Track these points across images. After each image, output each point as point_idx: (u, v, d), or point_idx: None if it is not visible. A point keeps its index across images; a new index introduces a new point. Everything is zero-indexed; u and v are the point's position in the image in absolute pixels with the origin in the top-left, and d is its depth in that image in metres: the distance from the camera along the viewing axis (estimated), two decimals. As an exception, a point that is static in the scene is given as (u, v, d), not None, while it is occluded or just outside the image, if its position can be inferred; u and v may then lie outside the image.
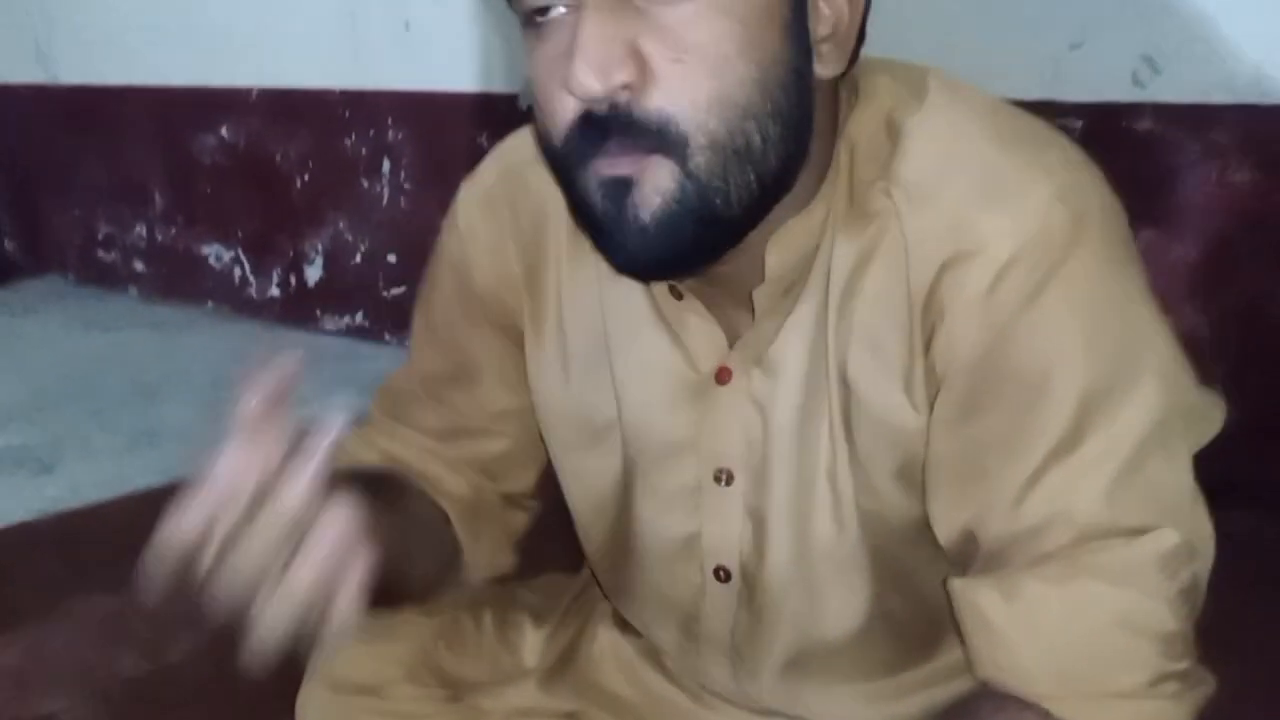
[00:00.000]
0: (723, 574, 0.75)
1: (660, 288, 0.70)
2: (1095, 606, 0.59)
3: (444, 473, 0.81)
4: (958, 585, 0.63)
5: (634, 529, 0.78)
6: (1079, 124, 1.79)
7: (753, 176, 0.60)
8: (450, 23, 2.61)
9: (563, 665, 0.87)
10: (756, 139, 0.59)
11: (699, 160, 0.58)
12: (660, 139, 0.58)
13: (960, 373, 0.62)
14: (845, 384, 0.66)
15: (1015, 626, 0.60)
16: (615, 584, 0.84)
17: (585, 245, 0.69)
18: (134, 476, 1.98)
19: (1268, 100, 1.67)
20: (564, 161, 0.61)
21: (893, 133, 0.64)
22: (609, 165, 0.59)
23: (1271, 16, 1.64)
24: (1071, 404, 0.59)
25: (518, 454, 0.83)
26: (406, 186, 2.80)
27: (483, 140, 2.62)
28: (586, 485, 0.80)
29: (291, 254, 3.06)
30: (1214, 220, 1.71)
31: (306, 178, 3.00)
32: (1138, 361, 0.60)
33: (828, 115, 0.65)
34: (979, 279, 0.60)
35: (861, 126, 0.65)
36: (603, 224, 0.61)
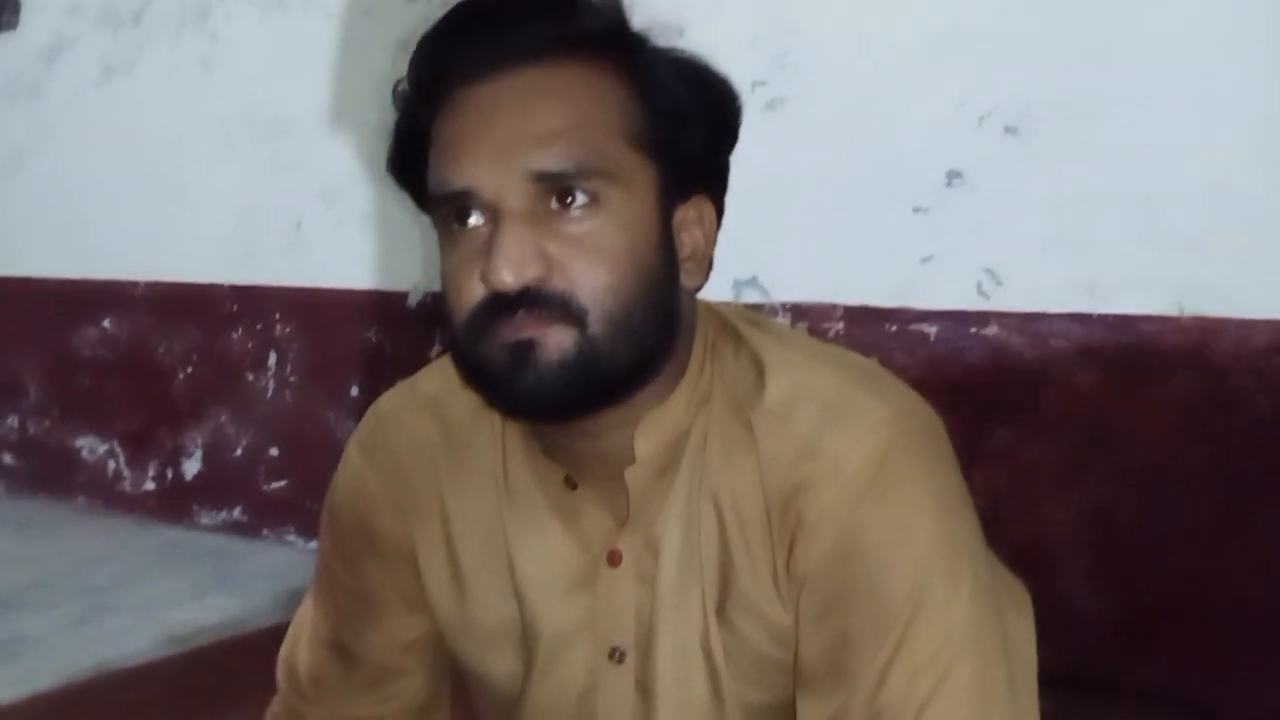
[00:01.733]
0: None
1: (556, 481, 0.78)
2: None
3: None
4: None
5: (533, 715, 0.81)
6: (932, 330, 1.93)
7: (634, 349, 0.71)
8: (341, 223, 2.69)
9: None
10: (638, 320, 0.70)
11: (595, 330, 0.69)
12: (564, 311, 0.69)
13: (817, 576, 0.71)
14: (724, 569, 0.74)
15: None
16: None
17: (474, 470, 0.79)
18: (-10, 691, 1.88)
19: (1100, 310, 1.83)
20: (471, 333, 0.71)
21: (756, 363, 0.76)
22: (514, 331, 0.69)
23: (1102, 231, 1.82)
24: (910, 603, 0.68)
25: (434, 686, 0.88)
26: (292, 380, 2.81)
27: (370, 335, 2.67)
28: (489, 685, 0.84)
29: (170, 447, 3.01)
30: (1060, 424, 1.84)
31: (190, 370, 2.99)
32: (956, 561, 0.69)
33: (687, 323, 0.76)
34: (826, 491, 0.70)
35: (722, 346, 0.77)
36: (505, 377, 0.70)
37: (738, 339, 0.78)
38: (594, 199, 0.69)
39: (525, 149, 0.68)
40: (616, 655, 0.78)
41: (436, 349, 2.56)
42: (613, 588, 0.77)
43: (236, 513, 2.89)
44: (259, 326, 2.85)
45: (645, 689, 0.77)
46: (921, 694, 0.66)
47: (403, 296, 2.62)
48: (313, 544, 2.73)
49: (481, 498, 0.81)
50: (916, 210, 1.95)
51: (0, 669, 2.01)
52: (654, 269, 0.71)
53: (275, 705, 0.91)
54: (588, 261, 0.68)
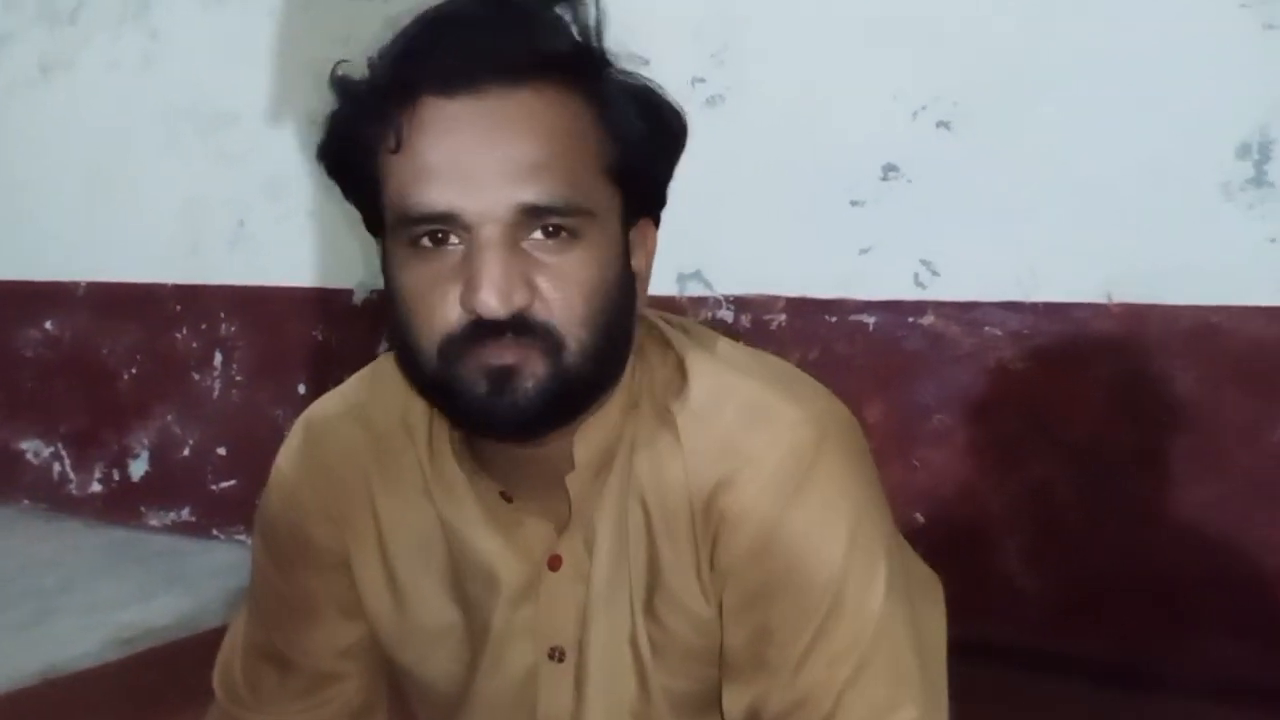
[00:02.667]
0: None
1: (493, 496, 0.80)
2: None
3: None
4: None
5: (480, 712, 0.83)
6: (871, 320, 1.97)
7: (601, 372, 0.74)
8: (285, 219, 2.68)
9: None
10: (606, 345, 0.73)
11: (570, 359, 0.71)
12: (544, 340, 0.70)
13: (739, 570, 0.74)
14: (651, 566, 0.77)
15: None
16: None
17: (404, 478, 0.80)
18: (-68, 694, 1.87)
19: (1032, 298, 1.88)
20: (445, 355, 0.71)
21: (680, 367, 0.79)
22: (497, 356, 0.70)
23: (1034, 222, 1.87)
24: (829, 594, 0.72)
25: (371, 689, 0.89)
26: (238, 379, 2.80)
27: (316, 333, 2.67)
28: (428, 688, 0.85)
29: (116, 448, 2.99)
30: (995, 408, 1.89)
31: (134, 371, 2.97)
32: (871, 554, 0.73)
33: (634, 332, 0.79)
34: (747, 488, 0.74)
35: (649, 351, 0.80)
36: (483, 401, 0.71)
37: (664, 343, 0.80)
38: (574, 232, 0.70)
39: (513, 179, 0.68)
40: (556, 654, 0.80)
41: (383, 346, 2.56)
42: (554, 591, 0.79)
43: (185, 513, 2.87)
44: (204, 325, 2.84)
45: (580, 684, 0.79)
46: (839, 679, 0.70)
47: (348, 294, 2.61)
48: (263, 542, 2.73)
49: (414, 504, 0.83)
50: (854, 203, 1.98)
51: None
52: (619, 296, 0.74)
53: (212, 712, 0.91)
54: (567, 293, 0.70)
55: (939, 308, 1.92)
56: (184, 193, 2.83)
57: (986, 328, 1.90)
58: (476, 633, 0.81)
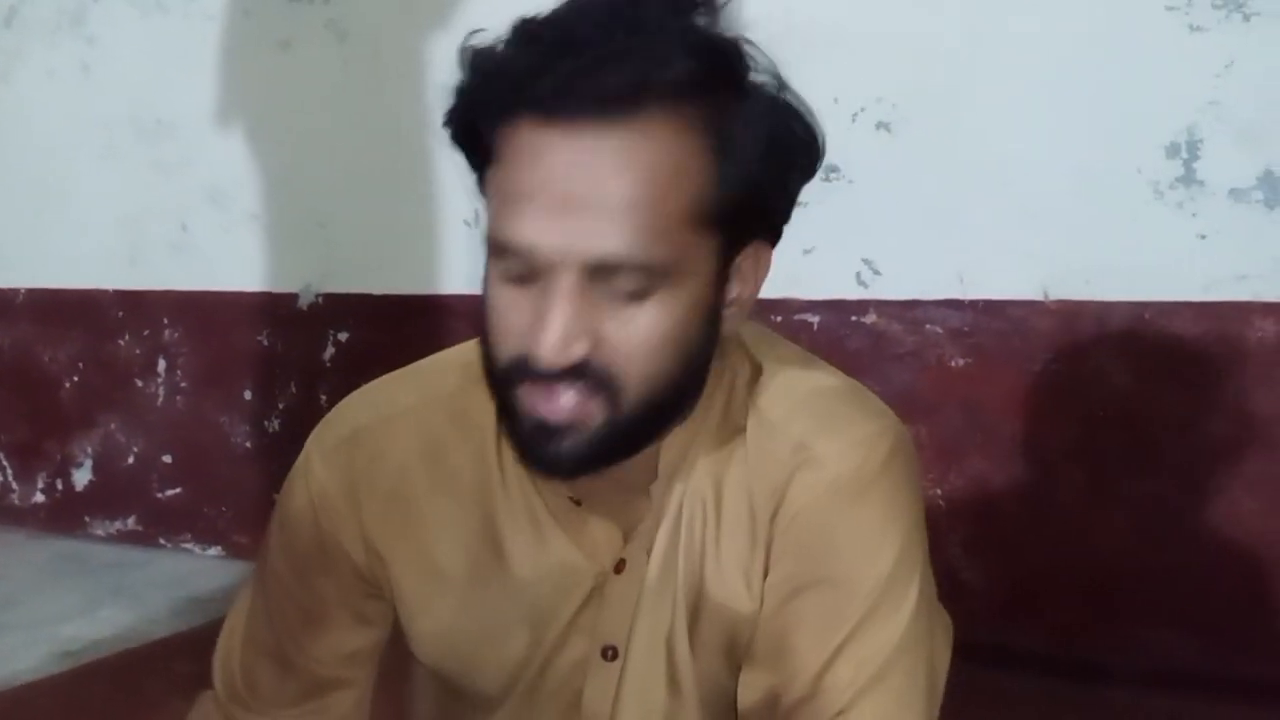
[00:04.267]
0: None
1: (562, 499, 0.80)
2: None
3: None
4: None
5: (513, 707, 0.84)
6: (815, 319, 2.00)
7: (663, 419, 0.74)
8: (228, 225, 2.66)
9: None
10: (672, 396, 0.72)
11: (627, 410, 0.70)
12: (600, 387, 0.69)
13: (788, 566, 0.76)
14: (699, 573, 0.79)
15: None
16: None
17: (457, 481, 0.80)
18: None
19: (970, 296, 1.91)
20: (505, 376, 0.71)
21: (756, 371, 0.80)
22: (547, 405, 0.69)
23: (971, 221, 1.90)
24: (870, 600, 0.74)
25: (366, 697, 0.88)
26: (183, 385, 2.77)
27: (262, 339, 2.65)
28: (474, 687, 0.85)
29: (59, 458, 2.95)
30: (936, 404, 1.92)
31: (76, 379, 2.93)
32: (912, 571, 0.76)
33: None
34: (812, 490, 0.76)
35: (739, 368, 0.81)
36: (531, 441, 0.71)
37: (741, 347, 0.81)
38: (653, 288, 0.68)
39: (590, 228, 0.66)
40: (609, 653, 0.81)
41: (330, 351, 2.55)
42: (616, 593, 0.80)
43: (131, 522, 2.84)
44: (147, 332, 2.80)
45: (619, 683, 0.81)
46: (858, 683, 0.73)
47: (293, 298, 2.60)
48: (211, 550, 2.70)
49: (467, 508, 0.81)
50: (797, 204, 2.00)
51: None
52: (698, 347, 0.72)
53: (205, 704, 0.89)
54: (633, 345, 0.68)
55: (881, 306, 1.96)
56: (125, 200, 2.80)
57: (927, 326, 1.93)
58: (531, 632, 0.82)
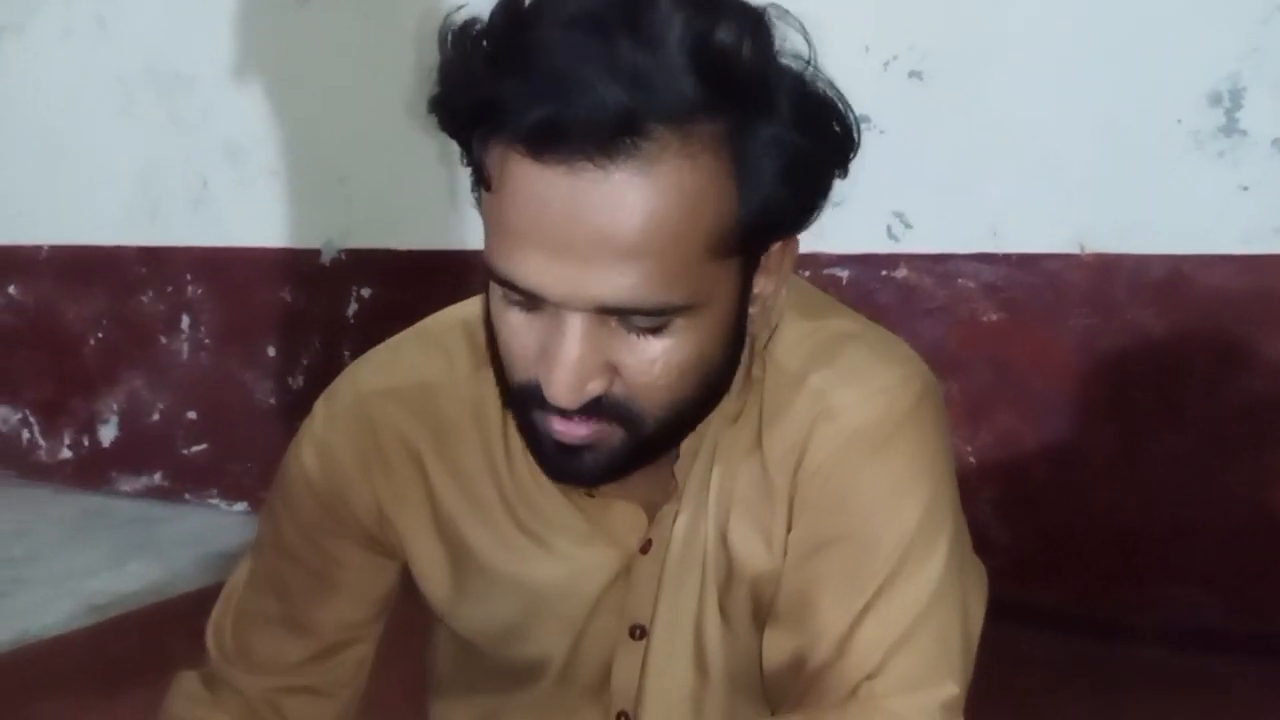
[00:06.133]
0: (624, 719, 0.81)
1: (577, 492, 0.77)
2: None
3: None
4: None
5: (543, 686, 0.82)
6: (844, 273, 1.96)
7: (684, 431, 0.71)
8: (250, 180, 2.64)
9: None
10: (695, 413, 0.69)
11: (648, 431, 0.67)
12: (619, 416, 0.66)
13: (810, 522, 0.73)
14: (722, 541, 0.76)
15: None
16: None
17: (470, 463, 0.77)
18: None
19: (1004, 250, 1.88)
20: (519, 398, 0.68)
21: (775, 328, 0.75)
22: (565, 429, 0.66)
23: (1006, 173, 1.86)
24: (895, 556, 0.71)
25: (366, 661, 0.86)
26: (206, 343, 2.77)
27: (284, 295, 2.64)
28: (499, 665, 0.83)
29: (84, 414, 2.96)
30: (967, 360, 1.89)
31: (100, 336, 2.93)
32: (941, 524, 0.73)
33: None
34: (831, 443, 0.72)
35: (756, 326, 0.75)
36: (549, 457, 0.69)
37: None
38: (667, 322, 0.63)
39: (597, 274, 0.60)
40: (637, 633, 0.79)
41: (353, 307, 2.54)
42: (641, 574, 0.78)
43: (157, 478, 2.85)
44: (169, 289, 2.80)
45: (643, 663, 0.79)
46: (888, 641, 0.70)
47: (315, 254, 2.58)
48: (237, 506, 2.72)
49: (481, 493, 0.79)
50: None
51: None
52: (722, 364, 0.68)
53: (182, 681, 0.86)
54: (653, 376, 0.64)
55: (911, 260, 1.92)
56: (143, 156, 2.78)
57: (959, 280, 1.90)
58: (558, 616, 0.80)
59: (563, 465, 0.68)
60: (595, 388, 0.64)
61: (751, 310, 0.70)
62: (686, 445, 0.74)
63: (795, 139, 0.63)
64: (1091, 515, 1.84)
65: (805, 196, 0.65)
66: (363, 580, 0.83)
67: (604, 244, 0.60)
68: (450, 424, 0.79)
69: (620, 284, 0.60)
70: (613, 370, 0.64)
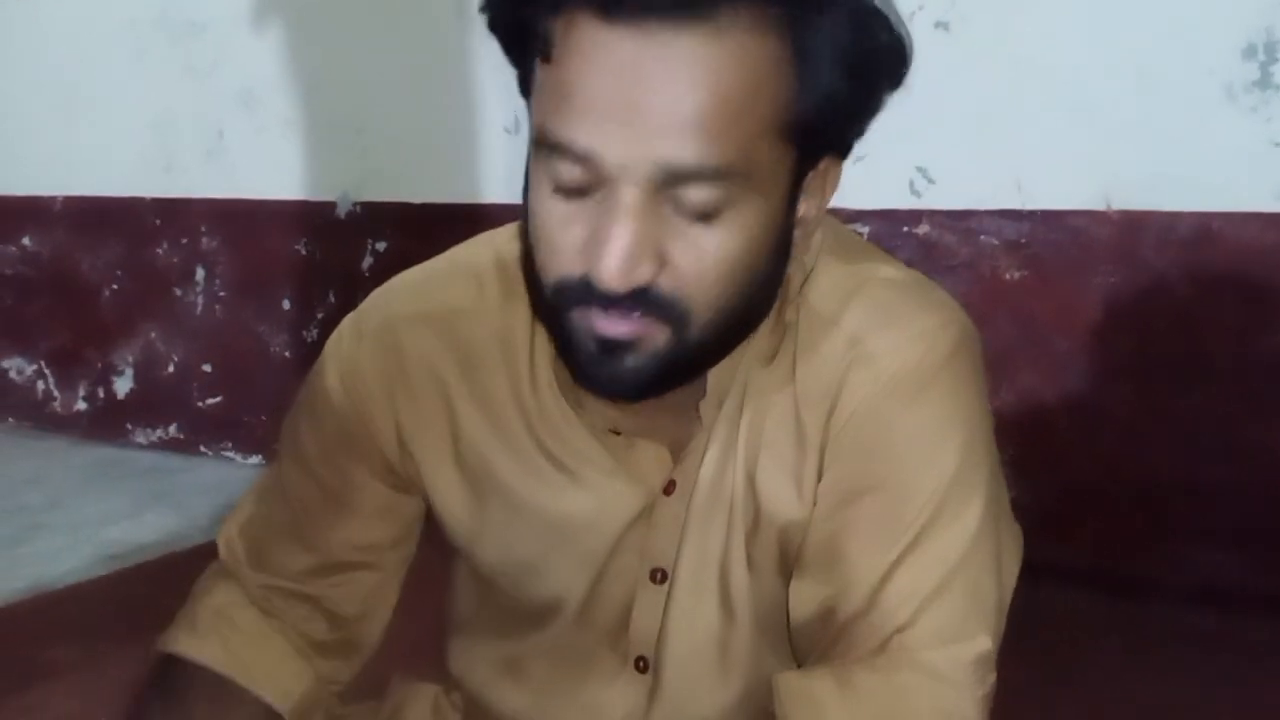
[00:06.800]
0: (642, 664, 0.79)
1: (604, 425, 0.76)
2: (916, 699, 0.67)
3: (287, 653, 0.82)
4: (791, 678, 0.70)
5: (561, 628, 0.81)
6: (866, 230, 1.94)
7: (729, 342, 0.69)
8: (265, 131, 2.62)
9: None
10: (739, 320, 0.68)
11: (694, 334, 0.65)
12: (666, 312, 0.64)
13: (842, 470, 0.71)
14: (750, 485, 0.74)
15: (845, 712, 0.68)
16: (514, 686, 0.85)
17: (494, 394, 0.76)
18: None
19: (1027, 206, 1.85)
20: (559, 299, 0.66)
21: (804, 266, 0.73)
22: (608, 325, 0.64)
23: (1032, 126, 1.83)
24: (930, 507, 0.69)
25: (380, 591, 0.85)
26: (222, 295, 2.76)
27: (299, 247, 2.62)
28: (516, 603, 0.82)
29: (100, 366, 2.96)
30: (989, 318, 1.87)
31: (115, 288, 2.92)
32: (977, 475, 0.70)
33: None
34: (866, 389, 0.70)
35: (792, 265, 0.74)
36: (589, 362, 0.66)
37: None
38: (725, 203, 0.62)
39: (665, 135, 0.60)
40: (658, 576, 0.78)
41: (369, 261, 2.52)
42: (664, 514, 0.77)
43: (172, 430, 2.86)
44: (184, 240, 2.79)
45: (666, 606, 0.77)
46: (921, 592, 0.68)
47: (331, 207, 2.57)
48: (252, 459, 2.72)
49: (504, 426, 0.78)
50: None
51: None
52: (768, 270, 0.67)
53: (210, 568, 0.86)
54: (702, 269, 0.63)
55: (934, 216, 1.89)
56: (156, 105, 2.76)
57: (982, 236, 1.87)
58: (577, 555, 0.78)
59: (603, 369, 0.66)
60: (644, 273, 0.62)
61: (795, 232, 0.69)
62: (714, 383, 0.73)
63: (853, 40, 0.63)
64: (1115, 473, 1.83)
65: (859, 99, 0.65)
66: (376, 506, 0.82)
67: (668, 108, 0.60)
68: (478, 351, 0.78)
69: (683, 149, 0.60)
70: (662, 261, 0.63)
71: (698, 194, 0.62)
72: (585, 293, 0.63)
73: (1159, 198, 1.77)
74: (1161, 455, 1.80)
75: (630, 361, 0.65)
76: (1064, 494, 1.85)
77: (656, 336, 0.65)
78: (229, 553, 0.84)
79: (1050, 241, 1.83)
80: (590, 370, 0.67)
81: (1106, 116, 1.78)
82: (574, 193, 0.63)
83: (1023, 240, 1.85)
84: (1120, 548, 1.83)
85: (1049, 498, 1.84)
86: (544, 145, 0.63)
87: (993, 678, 0.69)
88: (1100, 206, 1.80)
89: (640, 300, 0.63)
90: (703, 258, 0.63)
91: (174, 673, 0.81)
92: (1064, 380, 1.84)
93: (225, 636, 0.81)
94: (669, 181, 0.61)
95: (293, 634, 0.82)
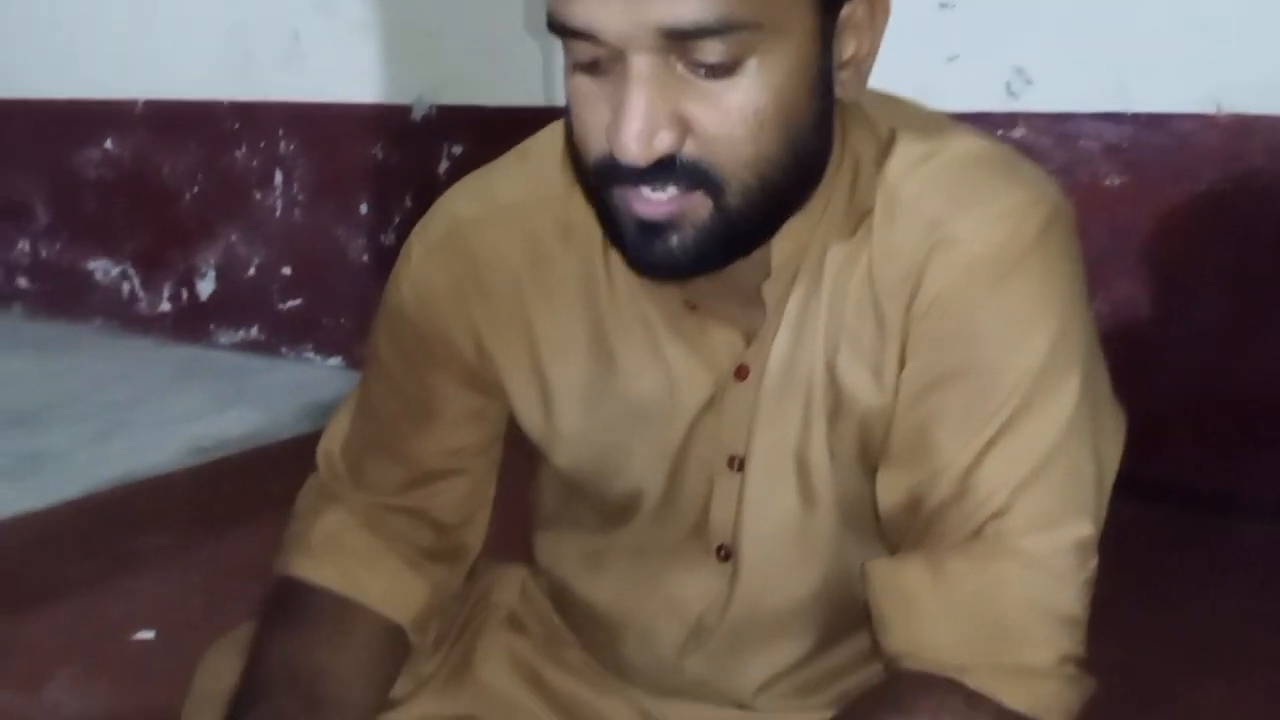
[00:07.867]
0: (723, 553, 0.78)
1: (675, 304, 0.74)
2: (1013, 587, 0.65)
3: (400, 568, 0.82)
4: (882, 565, 0.69)
5: (642, 523, 0.81)
6: (956, 133, 1.87)
7: (775, 209, 0.65)
8: (340, 34, 2.60)
9: (457, 674, 0.89)
10: (782, 183, 0.64)
11: (732, 201, 0.62)
12: (699, 181, 0.62)
13: (927, 356, 0.68)
14: (830, 372, 0.72)
15: (938, 600, 0.66)
16: (598, 579, 0.85)
17: (564, 288, 0.75)
18: (14, 502, 1.93)
19: (1130, 109, 1.77)
20: (599, 179, 0.65)
21: (886, 143, 0.70)
22: (645, 205, 0.63)
23: (1136, 25, 1.74)
24: (1020, 390, 0.66)
25: (476, 495, 0.86)
26: (300, 199, 2.77)
27: (376, 151, 2.62)
28: (595, 497, 0.82)
29: (182, 268, 3.01)
30: (1086, 225, 1.79)
31: (196, 190, 2.95)
32: (1071, 358, 0.67)
33: (834, 127, 0.69)
34: (950, 273, 0.67)
35: (864, 143, 0.71)
36: (634, 244, 0.65)
37: (865, 119, 0.71)
38: (738, 56, 0.59)
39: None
40: (735, 463, 0.76)
41: (445, 164, 2.51)
42: (737, 400, 0.74)
43: (254, 331, 2.90)
44: (262, 144, 2.80)
45: (740, 493, 0.76)
46: (1015, 478, 0.65)
47: (406, 110, 2.55)
48: (332, 360, 2.76)
49: (575, 316, 0.77)
50: (943, 6, 1.86)
51: (24, 481, 2.05)
52: (805, 122, 0.63)
53: (311, 483, 0.86)
54: (727, 129, 0.61)
55: (1030, 120, 1.82)
56: (233, 8, 2.75)
57: (1081, 141, 1.79)
58: (653, 443, 0.77)
59: (650, 250, 0.64)
60: (665, 140, 0.60)
61: (843, 75, 0.65)
62: (779, 262, 0.70)
63: None
64: (1209, 385, 1.77)
65: None
66: (461, 412, 0.82)
67: None
68: (547, 241, 0.76)
69: (677, 3, 0.58)
70: (684, 125, 0.61)
71: (708, 51, 0.59)
72: (616, 170, 0.62)
73: (1271, 101, 1.68)
74: (1260, 367, 1.74)
75: (675, 240, 0.63)
76: (1155, 406, 1.80)
77: (698, 210, 0.62)
78: (330, 472, 0.85)
79: (1153, 147, 1.75)
80: (636, 252, 0.65)
81: (1217, 12, 1.69)
82: (594, 69, 0.62)
83: (1124, 145, 1.77)
84: (1213, 460, 1.78)
85: (1141, 409, 1.79)
86: (553, 28, 0.62)
87: (1094, 562, 0.66)
88: (1209, 110, 1.71)
89: (669, 172, 0.61)
90: (728, 115, 0.60)
91: (293, 595, 0.81)
92: (1162, 291, 1.77)
93: (340, 559, 0.82)
94: (675, 44, 0.59)
95: (404, 547, 0.82)
